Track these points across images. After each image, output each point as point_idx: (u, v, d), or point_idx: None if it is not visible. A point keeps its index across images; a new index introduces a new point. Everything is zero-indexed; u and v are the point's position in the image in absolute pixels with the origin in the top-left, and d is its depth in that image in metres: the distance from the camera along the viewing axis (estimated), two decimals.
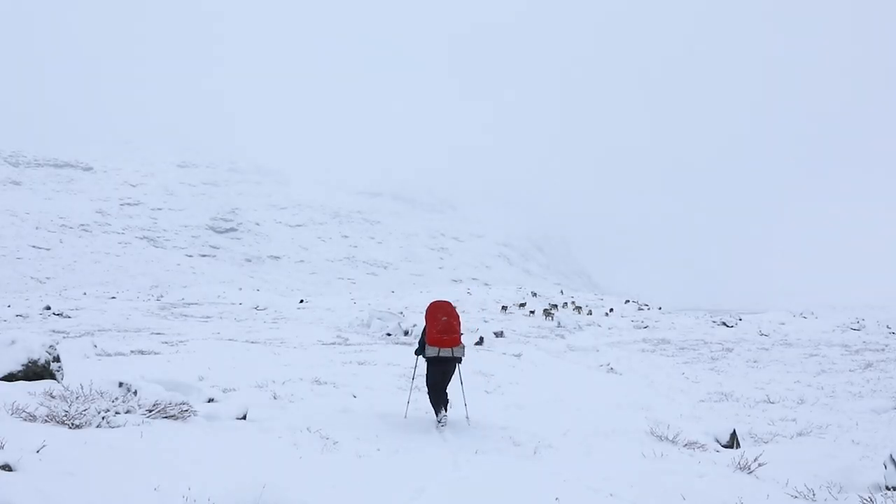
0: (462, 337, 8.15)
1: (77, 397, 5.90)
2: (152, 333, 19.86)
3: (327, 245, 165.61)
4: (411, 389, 8.69)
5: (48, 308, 29.76)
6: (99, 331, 20.41)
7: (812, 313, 40.20)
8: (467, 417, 8.16)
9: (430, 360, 7.97)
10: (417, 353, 8.21)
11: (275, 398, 8.86)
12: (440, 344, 7.78)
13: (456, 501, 4.75)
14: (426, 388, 8.12)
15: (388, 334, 23.31)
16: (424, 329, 8.04)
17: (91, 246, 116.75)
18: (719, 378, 15.57)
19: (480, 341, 21.67)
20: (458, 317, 8.11)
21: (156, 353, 13.12)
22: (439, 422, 7.76)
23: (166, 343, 15.63)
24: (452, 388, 8.23)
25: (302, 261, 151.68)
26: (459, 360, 8.06)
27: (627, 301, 50.95)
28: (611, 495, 5.02)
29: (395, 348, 17.15)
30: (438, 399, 7.93)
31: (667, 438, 7.52)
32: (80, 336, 17.78)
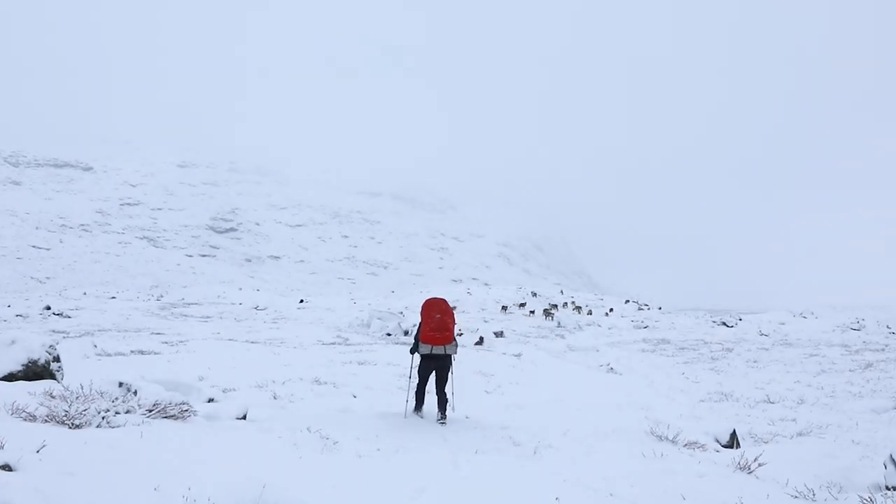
0: (458, 335, 8.31)
1: (77, 397, 5.90)
2: (152, 333, 19.85)
3: (327, 245, 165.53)
4: (410, 389, 8.73)
5: (48, 308, 29.75)
6: (99, 331, 20.41)
7: (812, 313, 40.18)
8: (453, 408, 8.41)
9: (423, 356, 8.18)
10: (412, 351, 8.36)
11: (275, 398, 8.87)
12: (433, 342, 7.98)
13: (456, 501, 4.74)
14: (416, 381, 8.39)
15: (388, 334, 23.31)
16: (419, 325, 8.22)
17: (91, 246, 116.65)
18: (719, 378, 15.57)
19: (480, 341, 21.67)
20: (453, 314, 8.30)
21: (156, 353, 13.13)
22: (418, 414, 8.17)
23: (166, 343, 15.63)
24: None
25: (302, 261, 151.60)
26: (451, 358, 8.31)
27: (627, 301, 50.96)
28: (611, 495, 5.02)
29: (395, 348, 17.15)
30: (423, 391, 8.27)
31: (667, 438, 7.52)
32: (80, 336, 17.77)
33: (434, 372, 8.18)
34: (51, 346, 7.58)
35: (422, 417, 8.15)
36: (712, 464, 6.38)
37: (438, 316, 8.02)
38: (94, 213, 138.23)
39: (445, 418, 8.00)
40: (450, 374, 8.28)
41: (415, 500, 4.69)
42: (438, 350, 7.96)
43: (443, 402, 8.07)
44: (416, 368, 8.39)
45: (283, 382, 10.09)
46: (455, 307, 39.62)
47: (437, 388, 8.13)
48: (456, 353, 8.19)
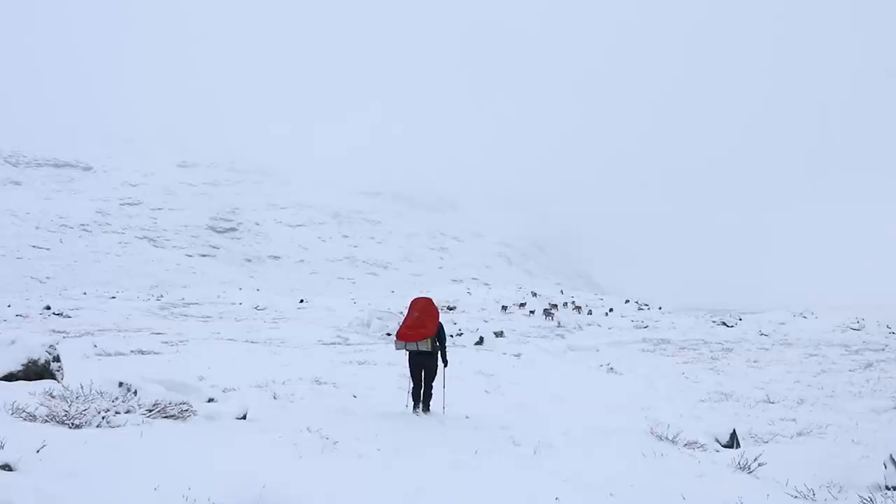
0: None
1: (77, 397, 5.90)
2: (152, 333, 19.86)
3: (327, 245, 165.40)
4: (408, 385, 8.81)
5: (48, 308, 29.76)
6: (99, 331, 20.42)
7: (812, 313, 40.17)
8: (443, 407, 8.56)
9: (408, 354, 8.41)
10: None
11: (275, 398, 8.87)
12: (405, 338, 8.20)
13: (456, 501, 4.74)
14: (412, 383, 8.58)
15: (388, 334, 23.31)
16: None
17: (91, 246, 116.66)
18: (719, 378, 15.58)
19: (480, 341, 21.66)
20: (436, 314, 8.43)
21: (156, 353, 13.13)
22: (415, 413, 8.32)
23: (166, 343, 15.64)
24: (446, 385, 8.61)
25: (302, 261, 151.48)
26: (442, 355, 8.41)
27: (627, 301, 51.00)
28: (611, 495, 5.02)
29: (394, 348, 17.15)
30: (419, 391, 8.45)
31: (667, 438, 7.51)
32: (80, 336, 17.78)
33: (422, 369, 8.38)
34: (51, 345, 7.58)
35: (419, 416, 8.22)
36: (712, 464, 6.38)
37: (417, 314, 8.26)
38: (94, 212, 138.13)
39: (428, 411, 8.30)
40: (438, 370, 8.46)
41: (415, 500, 4.69)
42: (412, 346, 8.17)
43: (427, 395, 8.34)
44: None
45: (283, 382, 10.09)
46: (455, 307, 39.60)
47: (424, 383, 8.38)
48: (429, 349, 8.18)
